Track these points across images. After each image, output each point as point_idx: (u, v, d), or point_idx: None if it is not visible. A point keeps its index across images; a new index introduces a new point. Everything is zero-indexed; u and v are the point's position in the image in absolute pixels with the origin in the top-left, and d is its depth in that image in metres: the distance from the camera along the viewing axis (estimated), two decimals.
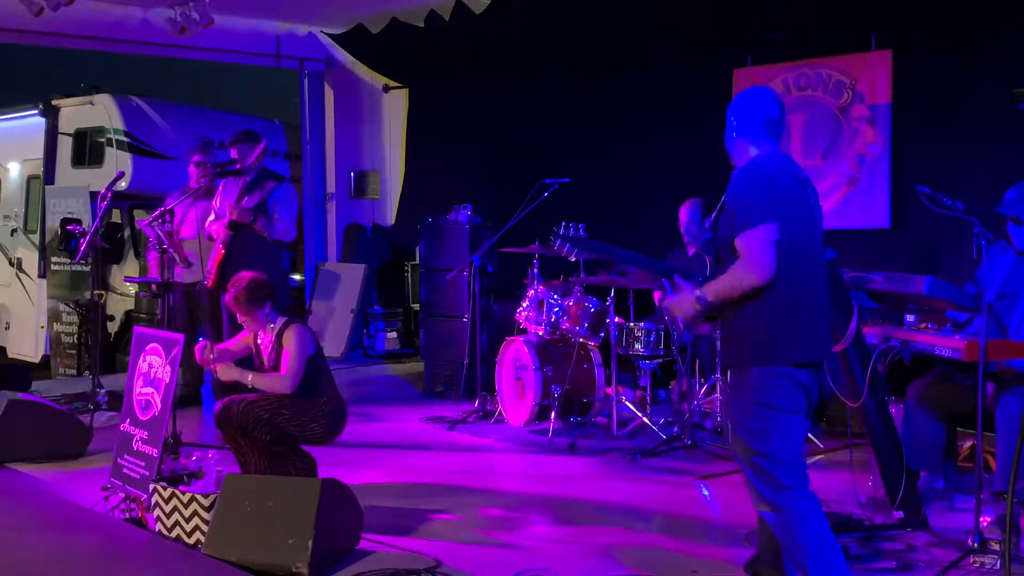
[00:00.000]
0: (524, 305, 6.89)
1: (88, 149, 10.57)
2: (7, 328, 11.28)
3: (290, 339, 4.85)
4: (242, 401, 4.80)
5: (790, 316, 3.18)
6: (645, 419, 6.31)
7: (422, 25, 9.70)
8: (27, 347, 10.87)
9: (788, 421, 3.21)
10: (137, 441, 4.74)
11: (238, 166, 6.68)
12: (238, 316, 4.99)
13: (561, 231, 3.47)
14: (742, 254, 3.16)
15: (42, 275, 10.51)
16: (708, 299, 3.26)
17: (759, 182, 3.22)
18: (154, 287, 6.28)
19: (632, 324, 6.46)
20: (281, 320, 4.97)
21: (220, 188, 6.88)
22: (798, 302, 3.19)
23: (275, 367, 4.91)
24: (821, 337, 3.31)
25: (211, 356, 4.89)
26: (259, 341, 5.05)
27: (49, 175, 10.77)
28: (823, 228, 3.42)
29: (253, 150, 6.73)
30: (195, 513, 4.14)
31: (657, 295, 6.93)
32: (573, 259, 3.54)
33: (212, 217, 6.86)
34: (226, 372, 4.91)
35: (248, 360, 5.10)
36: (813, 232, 3.31)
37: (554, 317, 6.67)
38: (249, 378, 4.84)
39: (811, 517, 3.22)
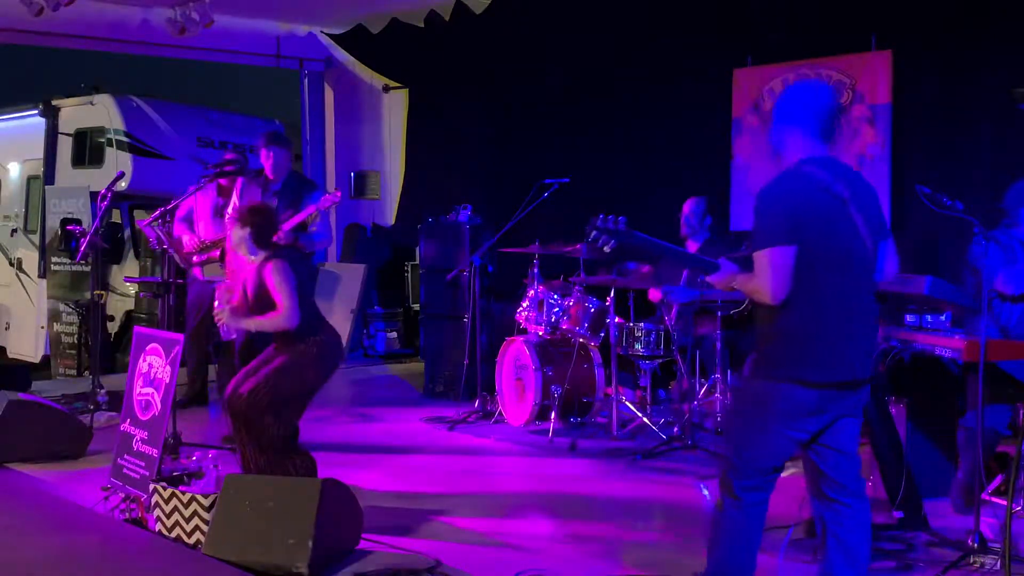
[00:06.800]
0: (524, 305, 6.89)
1: (88, 149, 10.57)
2: (7, 328, 11.28)
3: (274, 275, 4.71)
4: (246, 391, 4.71)
5: (802, 334, 3.11)
6: (645, 419, 6.30)
7: (422, 25, 9.70)
8: (27, 347, 10.86)
9: (770, 440, 3.18)
10: (137, 441, 4.74)
11: (263, 167, 6.46)
12: (237, 235, 4.88)
13: (599, 223, 3.30)
14: (756, 270, 3.11)
15: (42, 275, 10.51)
16: (735, 286, 3.24)
17: (783, 200, 3.11)
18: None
19: (632, 324, 6.46)
20: (262, 254, 4.86)
21: (237, 190, 6.62)
22: (814, 321, 3.10)
23: (257, 300, 4.80)
24: (844, 355, 3.15)
25: (226, 302, 4.87)
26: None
27: (49, 175, 10.77)
28: (871, 241, 3.23)
29: (288, 156, 6.47)
30: (195, 513, 4.13)
31: (654, 294, 6.93)
32: (608, 251, 3.36)
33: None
34: (230, 319, 4.87)
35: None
36: (847, 250, 3.15)
37: (554, 317, 6.67)
38: (251, 324, 4.82)
39: (736, 532, 3.24)
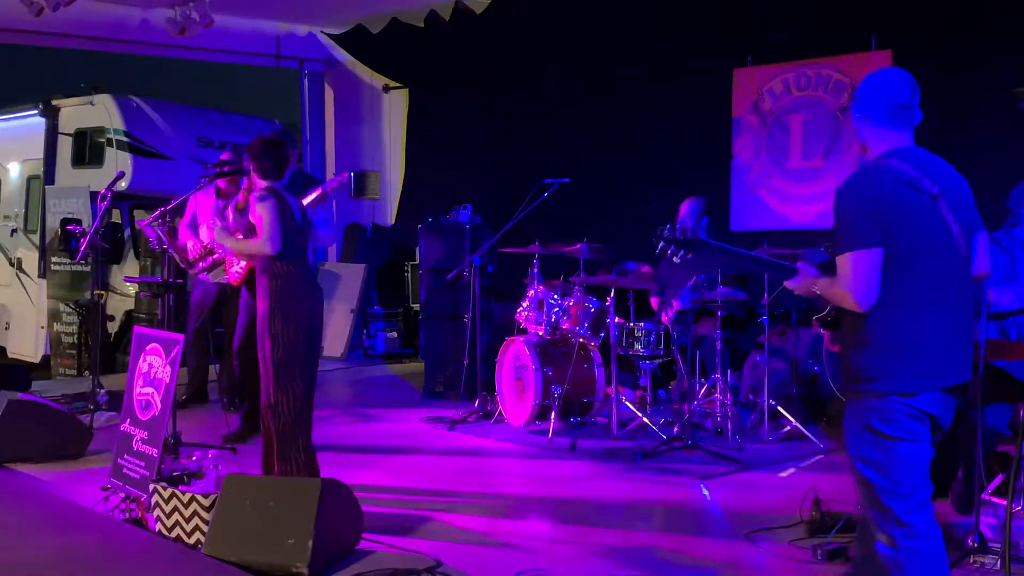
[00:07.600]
0: (524, 305, 6.89)
1: (88, 149, 10.57)
2: (7, 328, 11.28)
3: (258, 205, 4.86)
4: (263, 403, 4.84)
5: (894, 341, 2.90)
6: (645, 419, 6.30)
7: (422, 25, 9.71)
8: (27, 347, 10.86)
9: (906, 450, 2.91)
10: (137, 441, 4.74)
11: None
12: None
13: (666, 234, 3.05)
14: (840, 275, 2.90)
15: (42, 275, 10.51)
16: (817, 291, 3.03)
17: (864, 198, 2.89)
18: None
19: (632, 324, 6.46)
20: (261, 186, 4.99)
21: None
22: (906, 326, 2.89)
23: (246, 229, 4.96)
24: (944, 360, 2.95)
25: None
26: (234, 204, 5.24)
27: (49, 175, 10.77)
28: (958, 235, 2.97)
29: (294, 155, 6.53)
30: (195, 513, 4.13)
31: (654, 300, 6.93)
32: (678, 262, 3.17)
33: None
34: (219, 236, 5.09)
35: None
36: (938, 249, 2.93)
37: (554, 317, 6.67)
38: (234, 243, 5.00)
39: (927, 556, 2.96)
